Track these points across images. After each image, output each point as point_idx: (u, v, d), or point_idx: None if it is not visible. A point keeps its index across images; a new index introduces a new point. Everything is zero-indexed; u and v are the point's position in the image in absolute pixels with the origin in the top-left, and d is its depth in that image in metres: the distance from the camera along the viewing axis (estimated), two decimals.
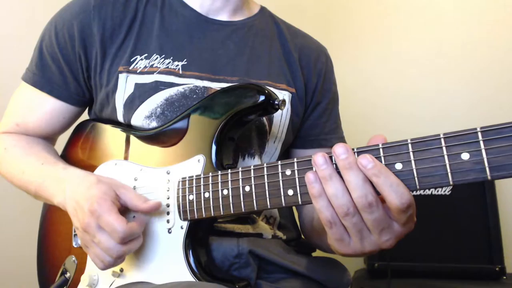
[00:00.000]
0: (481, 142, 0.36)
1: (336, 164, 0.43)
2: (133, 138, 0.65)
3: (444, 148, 0.38)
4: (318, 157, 0.43)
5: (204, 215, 0.54)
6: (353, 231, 0.43)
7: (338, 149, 0.42)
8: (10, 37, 1.28)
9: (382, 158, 0.41)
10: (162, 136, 0.63)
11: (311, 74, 0.76)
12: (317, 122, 0.78)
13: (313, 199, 0.44)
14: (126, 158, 0.65)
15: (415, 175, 0.39)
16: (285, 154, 0.78)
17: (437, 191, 1.17)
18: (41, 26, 0.72)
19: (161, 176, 0.59)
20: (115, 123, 0.68)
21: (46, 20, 0.72)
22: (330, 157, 0.43)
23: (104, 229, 0.52)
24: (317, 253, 0.73)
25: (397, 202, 0.40)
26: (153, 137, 0.64)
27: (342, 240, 0.45)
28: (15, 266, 1.19)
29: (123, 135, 0.67)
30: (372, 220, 0.42)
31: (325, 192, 0.43)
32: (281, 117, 0.70)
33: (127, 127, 0.67)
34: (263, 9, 0.80)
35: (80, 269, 0.64)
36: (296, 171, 0.46)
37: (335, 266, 0.70)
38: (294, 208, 0.80)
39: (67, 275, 0.65)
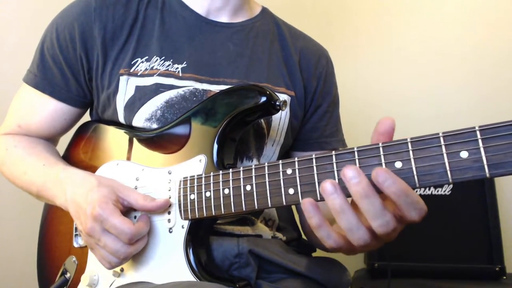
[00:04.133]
0: (480, 141, 0.37)
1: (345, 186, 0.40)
2: (135, 139, 0.66)
3: (443, 147, 0.38)
4: (327, 185, 0.39)
5: (205, 215, 0.54)
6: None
7: (349, 172, 0.38)
8: (12, 39, 1.28)
9: (382, 156, 0.41)
10: (165, 140, 0.63)
11: (311, 77, 0.76)
12: (318, 125, 0.78)
13: (315, 230, 0.42)
14: (128, 158, 0.65)
15: (415, 173, 0.40)
16: (285, 156, 0.78)
17: (437, 191, 1.17)
18: (42, 27, 0.72)
19: (162, 176, 0.60)
20: (118, 124, 0.69)
21: (48, 22, 0.72)
22: (339, 180, 0.40)
23: (110, 232, 0.53)
24: (317, 253, 0.73)
25: (417, 219, 0.39)
26: (155, 140, 0.64)
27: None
28: (15, 266, 1.19)
29: (126, 136, 0.67)
30: (387, 236, 0.40)
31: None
32: (280, 120, 0.70)
33: (130, 129, 0.67)
34: (264, 10, 0.80)
35: (80, 269, 0.65)
36: (297, 170, 0.47)
37: (335, 266, 0.70)
38: (294, 209, 0.81)
39: (67, 275, 0.66)
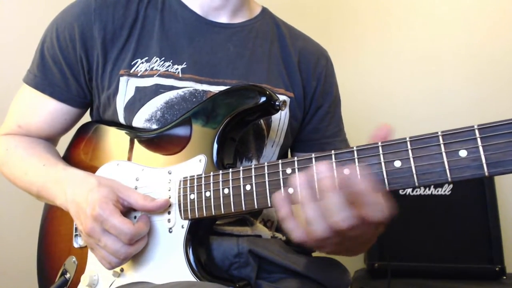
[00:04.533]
0: (478, 139, 0.37)
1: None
2: (136, 140, 0.66)
3: (442, 146, 0.39)
4: (296, 176, 0.42)
5: (205, 214, 0.54)
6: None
7: (319, 167, 0.40)
8: (12, 39, 1.29)
9: (381, 156, 0.42)
10: (165, 141, 0.63)
11: (310, 77, 0.76)
12: (319, 126, 0.78)
13: (282, 221, 0.43)
14: (129, 159, 0.65)
15: (414, 172, 0.40)
16: (285, 157, 0.77)
17: (437, 191, 1.17)
18: (43, 27, 0.73)
19: (162, 176, 0.60)
20: (118, 125, 0.69)
21: (48, 22, 0.72)
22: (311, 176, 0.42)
23: (110, 232, 0.53)
24: (317, 253, 0.73)
25: (379, 220, 0.39)
26: (155, 141, 0.64)
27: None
28: (15, 266, 1.20)
29: (126, 136, 0.67)
30: (353, 236, 0.41)
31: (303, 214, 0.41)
32: (279, 121, 0.71)
33: (130, 129, 0.67)
34: (264, 10, 0.80)
35: (80, 269, 0.65)
36: (296, 170, 0.47)
37: (335, 266, 0.70)
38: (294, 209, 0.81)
39: (67, 275, 0.66)
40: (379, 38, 1.51)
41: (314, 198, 0.41)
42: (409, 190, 1.16)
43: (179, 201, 0.57)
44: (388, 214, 0.40)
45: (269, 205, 0.49)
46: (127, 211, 0.59)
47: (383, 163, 0.41)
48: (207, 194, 0.54)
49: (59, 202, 0.61)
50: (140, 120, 0.65)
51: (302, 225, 0.43)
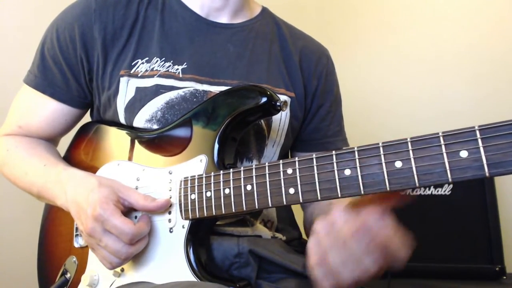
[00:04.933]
0: (479, 140, 0.37)
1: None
2: (136, 140, 0.66)
3: (443, 146, 0.39)
4: (317, 226, 0.43)
5: (205, 214, 0.54)
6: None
7: (335, 214, 0.42)
8: (12, 39, 1.29)
9: (382, 156, 0.42)
10: (166, 142, 0.63)
11: (311, 77, 0.76)
12: (320, 125, 0.78)
13: (311, 269, 0.44)
14: (129, 159, 0.65)
15: (415, 172, 0.40)
16: (286, 157, 0.78)
17: (437, 191, 1.17)
18: (43, 28, 0.73)
19: (163, 176, 0.60)
20: (119, 125, 0.69)
21: (48, 22, 0.72)
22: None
23: (111, 232, 0.53)
24: None
25: (406, 255, 0.41)
26: (156, 141, 0.64)
27: None
28: (16, 266, 1.19)
29: (127, 137, 0.67)
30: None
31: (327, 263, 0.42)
32: (280, 121, 0.71)
33: (131, 129, 0.67)
34: (264, 10, 0.80)
35: (80, 269, 0.65)
36: (297, 170, 0.47)
37: None
38: (295, 208, 0.81)
39: (68, 275, 0.66)
40: (379, 38, 1.51)
41: (338, 245, 0.42)
42: (409, 190, 1.16)
43: (179, 201, 0.57)
44: (412, 247, 0.41)
45: (270, 205, 0.49)
46: (127, 211, 0.59)
47: (384, 164, 0.41)
48: (208, 194, 0.54)
49: (59, 202, 0.61)
50: (140, 120, 0.66)
51: (330, 272, 0.43)
